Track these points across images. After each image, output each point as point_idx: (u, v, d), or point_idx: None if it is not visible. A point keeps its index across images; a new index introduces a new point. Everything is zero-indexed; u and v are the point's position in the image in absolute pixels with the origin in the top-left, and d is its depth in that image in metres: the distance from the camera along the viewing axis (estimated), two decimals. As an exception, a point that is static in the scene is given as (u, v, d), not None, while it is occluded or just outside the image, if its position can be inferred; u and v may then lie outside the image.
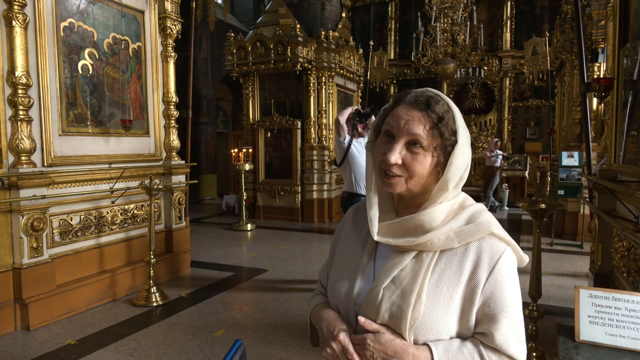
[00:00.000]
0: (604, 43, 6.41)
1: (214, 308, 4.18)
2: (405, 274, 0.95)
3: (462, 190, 1.03)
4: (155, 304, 4.21)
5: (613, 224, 2.98)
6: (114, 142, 4.52)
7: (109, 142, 4.47)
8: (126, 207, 4.66)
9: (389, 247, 1.00)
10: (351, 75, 10.03)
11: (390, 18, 13.44)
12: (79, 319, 3.88)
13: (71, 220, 4.11)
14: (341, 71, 9.43)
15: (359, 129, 4.58)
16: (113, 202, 4.49)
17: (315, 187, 8.91)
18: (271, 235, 7.61)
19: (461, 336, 0.94)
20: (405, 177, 0.95)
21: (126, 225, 4.66)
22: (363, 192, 4.50)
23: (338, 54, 9.08)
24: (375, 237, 0.99)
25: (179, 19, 5.16)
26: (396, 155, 0.94)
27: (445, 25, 9.33)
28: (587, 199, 4.08)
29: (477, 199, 8.13)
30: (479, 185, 11.50)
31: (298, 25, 8.41)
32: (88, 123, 4.25)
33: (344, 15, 10.37)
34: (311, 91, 8.80)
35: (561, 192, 6.55)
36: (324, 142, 8.94)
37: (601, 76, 5.16)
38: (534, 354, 2.99)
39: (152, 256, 4.31)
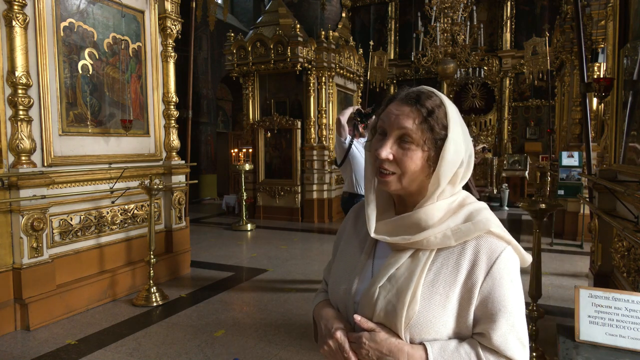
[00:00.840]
0: (604, 43, 6.41)
1: (214, 308, 4.18)
2: (401, 272, 0.95)
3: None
4: (155, 304, 4.21)
5: (613, 224, 2.98)
6: (114, 142, 4.52)
7: (109, 142, 4.47)
8: (126, 207, 4.66)
9: (387, 245, 1.00)
10: (351, 75, 10.03)
11: (390, 18, 13.44)
12: (79, 319, 3.88)
13: (71, 220, 4.11)
14: (341, 71, 9.43)
15: (360, 129, 4.57)
16: (113, 202, 4.49)
17: (315, 187, 8.91)
18: (271, 235, 7.61)
19: (460, 337, 0.93)
20: (398, 174, 0.95)
21: (126, 225, 4.66)
22: (363, 192, 4.49)
23: (338, 54, 9.08)
24: (372, 234, 0.99)
25: (179, 19, 5.16)
26: (387, 150, 0.94)
27: (445, 25, 9.33)
28: (587, 199, 4.08)
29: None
30: (479, 185, 11.50)
31: (298, 25, 8.41)
32: (88, 123, 4.25)
33: (344, 15, 10.37)
34: (311, 91, 8.80)
35: (561, 192, 6.55)
36: (324, 142, 8.94)
37: (601, 76, 5.16)
38: (534, 354, 3.00)
39: (152, 256, 4.31)
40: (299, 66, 8.41)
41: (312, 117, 8.82)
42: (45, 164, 3.84)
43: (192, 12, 5.62)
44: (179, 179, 5.27)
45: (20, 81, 3.52)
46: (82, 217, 4.21)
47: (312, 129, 8.84)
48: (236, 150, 9.08)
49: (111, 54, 4.48)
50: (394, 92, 0.98)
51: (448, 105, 0.97)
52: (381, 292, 0.95)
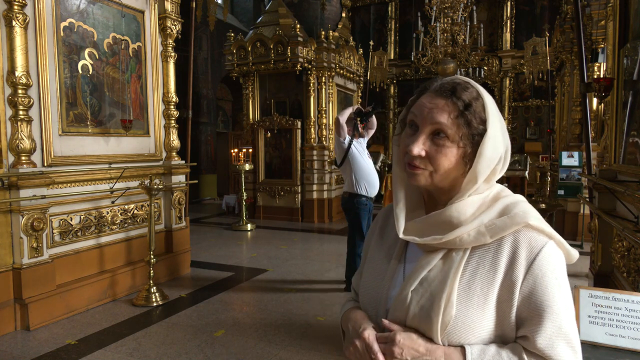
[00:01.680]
0: (604, 43, 6.41)
1: (214, 308, 4.18)
2: (433, 275, 0.88)
3: None
4: (155, 304, 4.21)
5: (613, 224, 2.98)
6: (114, 142, 4.52)
7: (109, 142, 4.47)
8: (126, 207, 4.66)
9: (418, 247, 0.94)
10: (351, 75, 10.03)
11: (390, 18, 13.43)
12: (79, 319, 3.88)
13: (71, 220, 4.11)
14: (341, 71, 9.43)
15: (360, 129, 4.57)
16: (113, 202, 4.49)
17: (315, 187, 8.91)
18: (271, 235, 7.61)
19: (503, 341, 0.87)
20: (430, 170, 0.88)
21: (126, 225, 4.66)
22: (363, 192, 4.49)
23: (338, 54, 9.08)
24: (401, 235, 0.93)
25: (179, 19, 5.16)
26: (419, 147, 0.87)
27: (445, 25, 9.32)
28: (587, 199, 4.08)
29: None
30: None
31: (298, 25, 8.41)
32: (88, 123, 4.25)
33: (344, 15, 10.36)
34: (311, 91, 8.80)
35: (561, 192, 6.55)
36: (324, 142, 8.94)
37: (601, 76, 5.16)
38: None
39: (152, 256, 4.31)
40: (299, 66, 8.41)
41: (312, 117, 8.82)
42: (45, 164, 3.84)
43: (192, 12, 5.63)
44: (179, 179, 5.27)
45: (20, 81, 3.52)
46: (82, 217, 4.21)
47: (312, 129, 8.84)
48: (236, 150, 9.08)
49: (111, 54, 4.48)
50: (426, 83, 0.93)
51: (486, 97, 0.89)
52: (413, 297, 0.88)
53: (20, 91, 3.53)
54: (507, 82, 12.50)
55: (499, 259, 0.86)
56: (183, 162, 5.27)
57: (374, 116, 4.69)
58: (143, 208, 4.84)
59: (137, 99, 4.80)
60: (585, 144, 4.06)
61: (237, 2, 15.31)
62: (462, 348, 0.84)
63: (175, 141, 5.20)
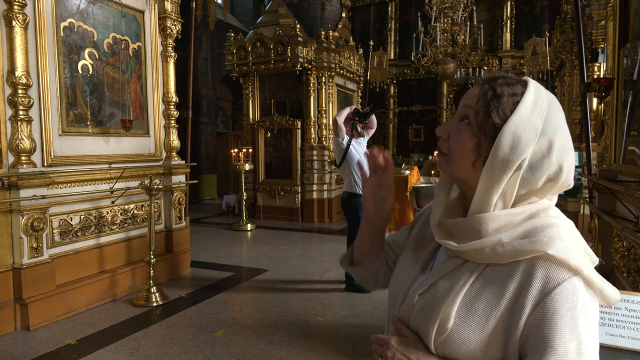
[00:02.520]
0: (604, 43, 6.42)
1: (214, 308, 4.18)
2: (442, 282, 0.86)
3: None
4: (155, 304, 4.21)
5: (613, 224, 2.98)
6: (114, 142, 4.52)
7: (109, 142, 4.47)
8: (126, 207, 4.66)
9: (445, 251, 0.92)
10: (351, 75, 10.03)
11: (390, 18, 13.44)
12: (79, 319, 3.88)
13: (71, 220, 4.11)
14: (341, 71, 9.43)
15: (359, 129, 4.57)
16: (113, 202, 4.49)
17: (315, 187, 8.91)
18: (271, 235, 7.61)
19: None
20: (448, 155, 0.87)
21: (126, 225, 4.66)
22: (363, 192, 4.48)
23: (338, 54, 9.08)
24: (435, 234, 0.91)
25: (179, 19, 5.16)
26: (443, 128, 0.87)
27: (445, 25, 9.33)
28: (587, 199, 4.08)
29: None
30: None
31: (298, 25, 8.41)
32: (88, 123, 4.25)
33: (344, 15, 10.37)
34: (311, 91, 8.80)
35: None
36: (324, 142, 8.94)
37: (601, 76, 5.16)
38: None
39: (152, 256, 4.31)
40: (299, 66, 8.41)
41: (312, 117, 8.82)
42: (45, 164, 3.84)
43: (192, 12, 5.63)
44: (179, 179, 5.27)
45: (20, 81, 3.52)
46: (82, 217, 4.21)
47: (312, 129, 8.84)
48: (236, 150, 9.09)
49: (111, 54, 4.48)
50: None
51: (529, 99, 0.80)
52: (419, 300, 0.88)
53: (20, 91, 3.54)
54: (507, 82, 12.49)
55: (508, 283, 0.79)
56: (183, 162, 5.27)
57: (374, 116, 4.70)
58: (143, 208, 4.84)
59: (137, 99, 4.80)
60: (585, 144, 4.06)
61: (237, 2, 15.31)
62: None
63: (175, 141, 5.20)
